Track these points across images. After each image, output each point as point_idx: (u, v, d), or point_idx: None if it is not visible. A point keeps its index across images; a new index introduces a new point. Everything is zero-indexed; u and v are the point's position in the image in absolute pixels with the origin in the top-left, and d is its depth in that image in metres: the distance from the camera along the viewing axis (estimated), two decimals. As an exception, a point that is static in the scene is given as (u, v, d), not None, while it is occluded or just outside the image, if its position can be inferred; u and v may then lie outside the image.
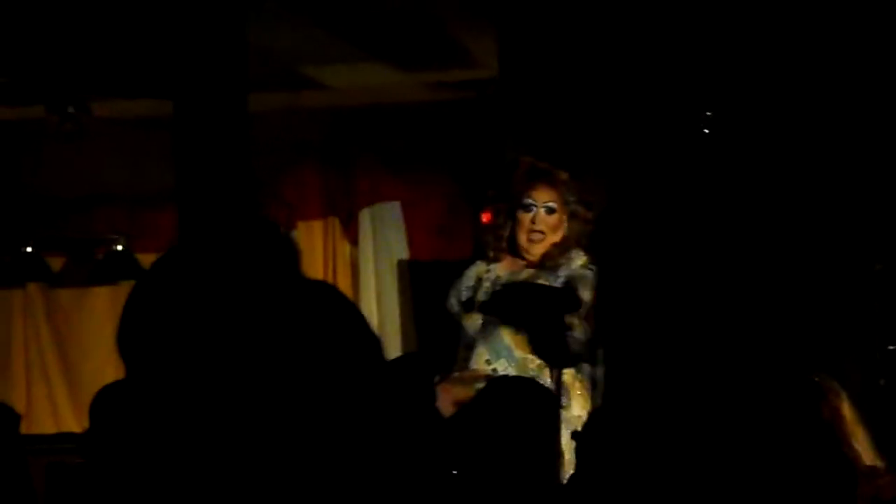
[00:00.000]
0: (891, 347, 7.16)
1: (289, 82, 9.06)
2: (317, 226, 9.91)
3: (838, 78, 7.00)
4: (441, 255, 9.70)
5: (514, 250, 5.45)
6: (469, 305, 5.42)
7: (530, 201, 5.36)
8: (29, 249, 9.62)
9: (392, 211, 9.86)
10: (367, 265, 9.87)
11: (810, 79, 7.00)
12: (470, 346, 5.34)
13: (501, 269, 5.43)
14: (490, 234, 5.49)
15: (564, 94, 7.45)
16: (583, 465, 3.65)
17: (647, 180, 6.98)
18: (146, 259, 9.73)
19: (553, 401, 4.23)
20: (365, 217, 9.90)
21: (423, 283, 9.61)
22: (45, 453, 7.72)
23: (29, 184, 10.05)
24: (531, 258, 5.41)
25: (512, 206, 5.41)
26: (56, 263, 9.97)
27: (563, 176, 5.44)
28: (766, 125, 7.04)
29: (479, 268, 5.48)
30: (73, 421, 9.85)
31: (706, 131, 6.90)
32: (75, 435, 9.17)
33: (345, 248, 9.97)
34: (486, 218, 9.35)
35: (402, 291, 9.74)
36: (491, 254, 5.47)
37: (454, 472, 3.87)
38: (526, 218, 5.37)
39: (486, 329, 5.33)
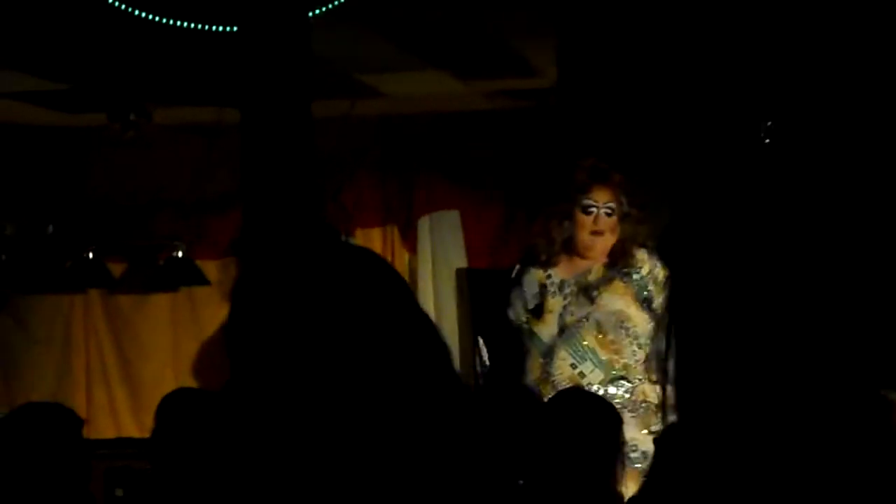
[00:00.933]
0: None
1: (347, 90, 9.09)
2: (375, 234, 9.95)
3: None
4: (499, 263, 9.70)
5: (570, 251, 5.43)
6: (538, 312, 5.37)
7: (591, 202, 5.37)
8: (90, 255, 9.69)
9: (450, 219, 9.88)
10: (425, 273, 9.89)
11: (868, 87, 6.96)
12: (548, 353, 5.30)
13: (563, 273, 5.41)
14: (543, 237, 5.47)
15: (624, 103, 7.44)
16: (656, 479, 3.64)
17: (708, 189, 6.95)
18: (206, 265, 9.80)
19: (614, 417, 4.21)
20: (423, 225, 9.92)
21: (481, 292, 9.61)
22: (105, 458, 7.79)
23: (90, 190, 10.14)
24: (592, 258, 5.42)
25: (570, 207, 5.40)
26: (117, 269, 10.04)
27: (619, 177, 5.50)
28: (826, 132, 7.00)
29: (536, 274, 5.45)
30: (133, 426, 9.92)
31: (766, 140, 6.86)
32: (135, 440, 9.25)
33: (403, 256, 9.99)
34: (536, 226, 9.37)
35: (461, 300, 9.75)
36: (543, 257, 5.44)
37: (520, 481, 3.88)
38: (587, 219, 5.37)
39: (566, 334, 5.30)
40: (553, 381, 5.27)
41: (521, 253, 9.60)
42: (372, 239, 9.86)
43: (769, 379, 5.07)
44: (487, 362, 5.90)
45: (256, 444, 1.80)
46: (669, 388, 5.39)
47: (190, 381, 9.23)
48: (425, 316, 1.95)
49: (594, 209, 5.36)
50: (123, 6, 6.25)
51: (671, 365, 5.44)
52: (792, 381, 5.20)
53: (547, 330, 5.33)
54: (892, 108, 6.96)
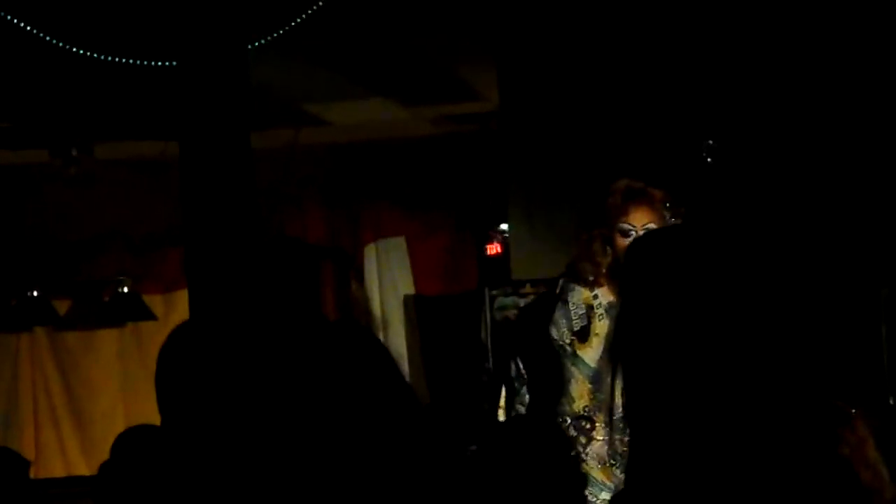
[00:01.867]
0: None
1: (292, 119, 9.08)
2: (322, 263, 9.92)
3: (842, 97, 7.01)
4: (446, 289, 9.72)
5: (615, 275, 5.07)
6: (583, 335, 5.11)
7: (628, 226, 5.06)
8: (35, 293, 9.62)
9: (397, 246, 9.88)
10: (373, 301, 9.87)
11: (812, 101, 7.02)
12: (596, 379, 5.02)
13: (609, 294, 5.10)
14: (587, 261, 5.12)
15: (566, 124, 7.47)
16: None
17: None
18: (152, 300, 9.75)
19: (566, 446, 4.18)
20: (370, 252, 9.92)
21: (430, 317, 9.61)
22: (55, 498, 7.71)
23: (32, 227, 10.07)
24: None
25: (608, 232, 5.08)
26: (62, 306, 9.97)
27: (659, 194, 5.13)
28: (767, 149, 7.05)
29: (583, 293, 5.13)
30: (83, 464, 9.84)
31: (708, 159, 6.90)
32: (85, 478, 9.17)
33: (350, 284, 9.97)
34: (490, 249, 9.41)
35: (409, 326, 9.74)
36: (590, 278, 5.11)
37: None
38: (624, 243, 5.03)
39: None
40: (605, 409, 4.97)
41: (469, 278, 9.67)
42: (319, 265, 9.83)
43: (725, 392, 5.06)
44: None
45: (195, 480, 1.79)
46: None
47: (139, 417, 9.13)
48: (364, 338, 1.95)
49: (632, 232, 5.04)
50: (61, 45, 6.21)
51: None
52: (746, 397, 5.21)
53: (593, 354, 5.04)
54: (834, 124, 7.02)
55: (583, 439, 4.94)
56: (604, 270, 5.06)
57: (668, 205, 5.08)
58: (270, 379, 1.83)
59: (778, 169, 7.02)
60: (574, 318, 5.08)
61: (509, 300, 7.88)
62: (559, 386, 5.07)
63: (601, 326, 5.04)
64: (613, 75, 7.24)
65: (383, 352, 1.96)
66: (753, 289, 2.08)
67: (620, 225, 5.02)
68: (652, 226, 5.00)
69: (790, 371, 1.99)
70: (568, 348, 5.07)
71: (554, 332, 5.10)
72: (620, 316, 1.94)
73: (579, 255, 5.12)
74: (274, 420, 1.83)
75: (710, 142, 6.89)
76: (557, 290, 5.20)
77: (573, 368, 5.04)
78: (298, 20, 6.44)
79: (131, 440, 4.03)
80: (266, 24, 6.50)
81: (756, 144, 7.04)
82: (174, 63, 5.74)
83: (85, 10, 6.41)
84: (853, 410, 4.40)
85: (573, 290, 5.12)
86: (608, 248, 5.06)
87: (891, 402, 8.05)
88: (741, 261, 2.09)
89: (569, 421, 4.95)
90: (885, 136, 7.06)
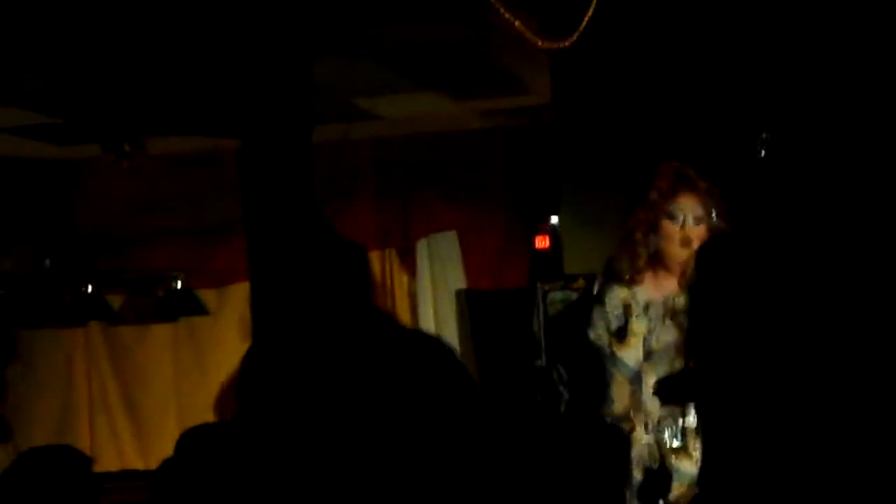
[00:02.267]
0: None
1: (342, 114, 9.09)
2: (374, 257, 9.92)
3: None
4: (498, 283, 9.70)
5: (656, 268, 4.96)
6: (621, 335, 4.95)
7: (678, 210, 4.90)
8: (89, 289, 9.67)
9: (449, 241, 9.87)
10: (425, 296, 9.87)
11: (864, 99, 6.96)
12: (636, 380, 4.87)
13: (649, 293, 4.95)
14: (626, 252, 4.98)
15: (618, 118, 7.44)
16: None
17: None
18: (205, 295, 9.79)
19: (623, 442, 4.15)
20: (422, 247, 9.91)
21: (482, 312, 9.60)
22: (109, 492, 7.75)
23: (87, 222, 10.13)
24: (681, 271, 4.86)
25: (654, 217, 4.93)
26: (116, 301, 10.03)
27: (705, 184, 5.00)
28: (822, 145, 7.00)
29: (620, 292, 4.97)
30: (137, 458, 9.90)
31: (763, 153, 6.85)
32: (139, 472, 9.22)
33: (403, 278, 9.98)
34: (538, 243, 9.37)
35: (461, 321, 9.74)
36: (627, 275, 4.95)
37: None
38: (674, 229, 4.88)
39: (652, 359, 4.87)
40: (646, 410, 4.84)
41: (520, 272, 9.64)
42: (371, 263, 9.82)
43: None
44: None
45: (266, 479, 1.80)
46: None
47: (192, 411, 9.21)
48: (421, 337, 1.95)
49: (681, 217, 4.90)
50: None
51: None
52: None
53: (633, 354, 4.89)
54: (887, 121, 6.96)
55: None
56: (642, 264, 4.91)
57: (713, 199, 4.92)
58: (344, 386, 1.83)
59: (832, 163, 6.97)
60: (611, 318, 4.94)
61: (560, 294, 7.85)
62: (600, 388, 4.93)
63: (639, 326, 4.89)
64: (666, 67, 7.21)
65: (455, 362, 1.97)
66: (822, 290, 2.06)
67: (669, 208, 4.86)
68: (700, 214, 4.86)
69: (870, 368, 1.97)
70: (606, 349, 4.93)
71: (591, 334, 4.97)
72: (693, 323, 1.92)
73: (620, 247, 4.99)
74: (346, 427, 1.83)
75: (765, 135, 6.84)
76: (595, 291, 5.07)
77: (613, 370, 4.90)
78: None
79: (196, 438, 4.04)
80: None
81: (811, 137, 6.99)
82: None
83: None
84: None
85: (611, 289, 4.98)
86: (651, 236, 4.90)
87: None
88: (808, 263, 2.07)
89: (610, 421, 4.76)
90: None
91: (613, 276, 5.01)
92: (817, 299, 2.00)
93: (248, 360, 1.92)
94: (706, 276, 1.96)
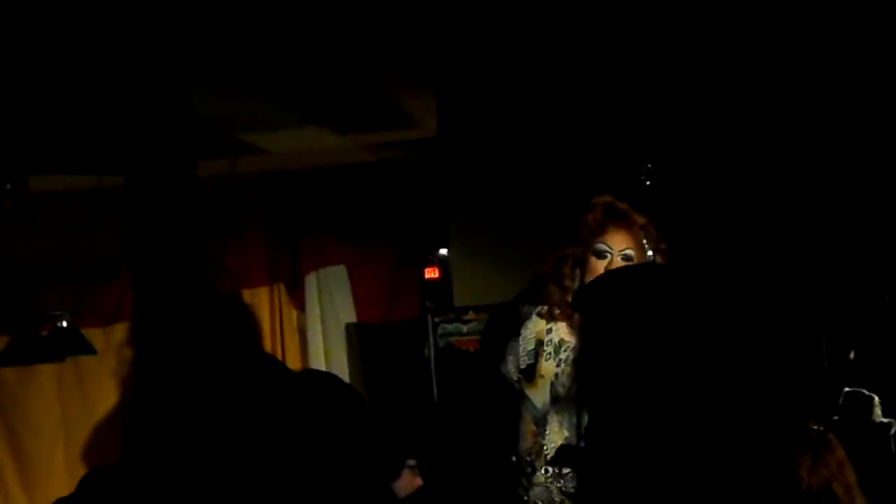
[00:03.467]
0: None
1: (228, 149, 9.04)
2: (262, 292, 9.86)
3: (775, 117, 7.07)
4: (388, 316, 9.69)
5: (575, 307, 4.68)
6: (529, 374, 4.74)
7: (605, 247, 4.67)
8: (-30, 330, 9.51)
9: (338, 275, 9.85)
10: (315, 330, 9.83)
11: (748, 120, 7.07)
12: (541, 422, 4.68)
13: (563, 332, 4.73)
14: (555, 283, 4.73)
15: (504, 150, 7.48)
16: None
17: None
18: (91, 334, 9.66)
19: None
20: (311, 282, 9.88)
21: (372, 345, 9.59)
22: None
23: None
24: None
25: (581, 252, 4.70)
26: (0, 343, 9.87)
27: (641, 220, 4.76)
28: (705, 174, 7.09)
29: (538, 326, 4.76)
30: (24, 501, 9.73)
31: (647, 182, 6.93)
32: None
33: (292, 313, 9.93)
34: (427, 274, 9.39)
35: (351, 354, 9.71)
36: (549, 309, 4.72)
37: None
38: (600, 265, 4.64)
39: (559, 405, 4.67)
40: (546, 455, 4.64)
41: (410, 305, 9.63)
42: (259, 298, 9.78)
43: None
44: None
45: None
46: None
47: (79, 453, 9.08)
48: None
49: (608, 254, 4.67)
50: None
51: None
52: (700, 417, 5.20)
53: (540, 396, 4.68)
54: (768, 142, 7.07)
55: (524, 482, 4.65)
56: (568, 299, 4.69)
57: (648, 234, 4.72)
58: (227, 427, 1.83)
59: (715, 189, 7.06)
60: (522, 354, 4.74)
61: (452, 326, 7.87)
62: (513, 422, 4.75)
63: (547, 368, 4.69)
64: (550, 101, 7.27)
65: (347, 400, 1.97)
66: (709, 320, 2.08)
67: (597, 245, 4.66)
68: (630, 252, 4.66)
69: (754, 394, 2.00)
70: (516, 385, 4.73)
71: (503, 368, 4.77)
72: (581, 357, 1.92)
73: (548, 277, 4.76)
74: (234, 459, 1.83)
75: (649, 165, 6.92)
76: (520, 317, 4.83)
77: (521, 407, 4.71)
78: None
79: (97, 480, 3.98)
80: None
81: (694, 166, 7.08)
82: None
83: None
84: (830, 434, 4.39)
85: (530, 319, 4.79)
86: (578, 271, 4.70)
87: (834, 418, 8.11)
88: (694, 292, 2.10)
89: (516, 459, 4.66)
90: (817, 151, 7.12)
91: (539, 301, 4.79)
92: (698, 339, 2.03)
93: (132, 402, 1.91)
94: (590, 318, 1.98)
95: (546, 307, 4.75)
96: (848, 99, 7.06)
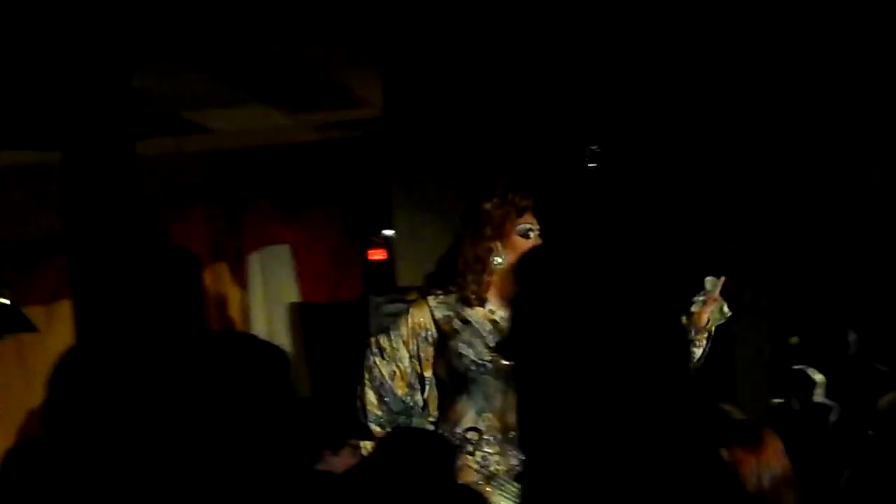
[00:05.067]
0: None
1: (172, 126, 8.99)
2: (205, 271, 9.83)
3: (724, 106, 7.10)
4: (332, 296, 9.68)
5: (499, 285, 4.74)
6: (487, 352, 4.77)
7: (527, 226, 4.72)
8: None
9: (281, 254, 9.82)
10: (257, 309, 9.80)
11: (693, 111, 7.10)
12: (476, 399, 4.75)
13: (480, 314, 4.76)
14: (471, 272, 4.75)
15: (450, 130, 7.47)
16: None
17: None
18: (32, 312, 9.59)
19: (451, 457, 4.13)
20: (254, 261, 9.84)
21: (316, 325, 9.57)
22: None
23: None
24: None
25: (499, 234, 4.72)
26: (-61, 319, 9.78)
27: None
28: (652, 156, 7.12)
29: (479, 313, 4.77)
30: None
31: (591, 164, 6.94)
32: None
33: (234, 292, 9.89)
34: (372, 255, 9.37)
35: (294, 334, 9.69)
36: (473, 297, 4.73)
37: None
38: (525, 244, 4.66)
39: (491, 380, 4.74)
40: (484, 433, 4.73)
41: (354, 285, 9.62)
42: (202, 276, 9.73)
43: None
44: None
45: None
46: None
47: (17, 432, 9.02)
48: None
49: (531, 234, 4.70)
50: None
51: None
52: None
53: (495, 371, 4.72)
54: (714, 134, 7.11)
55: (468, 458, 4.66)
56: (486, 284, 4.72)
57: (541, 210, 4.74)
58: (157, 393, 1.81)
59: (658, 174, 7.09)
60: (483, 335, 4.74)
61: (394, 307, 7.86)
62: (457, 402, 4.78)
63: (465, 349, 4.74)
64: (498, 81, 7.27)
65: (273, 364, 1.95)
66: (632, 298, 2.07)
67: (521, 226, 4.67)
68: (538, 228, 4.69)
69: (674, 377, 2.00)
70: (474, 368, 4.72)
71: (465, 350, 4.75)
72: (512, 333, 1.90)
73: (465, 266, 4.76)
74: (160, 433, 1.81)
75: (594, 147, 6.93)
76: (448, 309, 4.81)
77: (473, 386, 4.73)
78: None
79: (22, 454, 3.94)
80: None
81: (639, 149, 7.10)
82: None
83: None
84: (762, 426, 4.42)
85: (446, 306, 4.79)
86: (501, 254, 4.70)
87: (774, 401, 8.16)
88: (619, 270, 2.09)
89: (458, 433, 4.69)
90: (755, 137, 7.17)
91: (451, 290, 4.81)
92: (625, 310, 2.03)
93: (55, 374, 1.89)
94: (526, 289, 1.97)
95: (463, 292, 4.78)
96: (780, 89, 7.11)
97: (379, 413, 4.82)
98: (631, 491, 1.88)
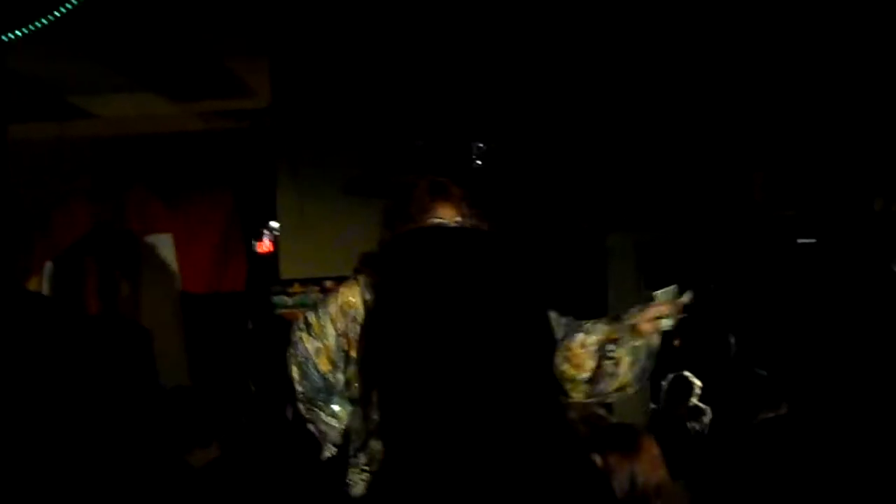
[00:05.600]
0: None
1: (57, 112, 8.86)
2: (87, 258, 9.70)
3: (615, 103, 7.14)
4: (215, 287, 9.59)
5: None
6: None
7: (437, 220, 4.74)
8: None
9: (164, 243, 9.71)
10: (138, 297, 9.69)
11: (583, 104, 7.13)
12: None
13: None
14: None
15: (337, 122, 7.45)
16: None
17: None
18: None
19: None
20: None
21: (197, 316, 9.47)
22: None
23: None
24: None
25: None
26: None
27: (459, 191, 4.80)
28: (539, 153, 7.14)
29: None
30: None
31: (477, 161, 6.96)
32: None
33: (115, 280, 9.77)
34: (260, 247, 9.28)
35: (175, 324, 9.59)
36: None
37: None
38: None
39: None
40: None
41: (237, 276, 9.54)
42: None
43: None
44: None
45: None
46: None
47: None
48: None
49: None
50: None
51: None
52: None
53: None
54: (599, 128, 7.14)
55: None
56: None
57: (467, 203, 4.67)
58: (21, 372, 1.78)
59: (545, 169, 7.12)
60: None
61: (277, 299, 7.82)
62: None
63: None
64: (386, 74, 7.26)
65: (133, 339, 1.93)
66: (492, 296, 2.07)
67: (428, 220, 4.64)
68: (459, 220, 4.66)
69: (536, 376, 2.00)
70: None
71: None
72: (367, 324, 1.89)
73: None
74: (21, 411, 1.78)
75: (480, 144, 6.94)
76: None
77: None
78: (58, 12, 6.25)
79: None
80: (24, 14, 6.32)
81: (525, 148, 7.12)
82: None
83: None
84: (639, 432, 4.43)
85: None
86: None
87: (651, 406, 8.23)
88: (485, 264, 2.09)
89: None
90: (648, 133, 7.23)
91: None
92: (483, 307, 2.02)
93: None
94: (385, 279, 1.96)
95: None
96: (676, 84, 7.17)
97: (300, 388, 4.82)
98: (494, 491, 1.87)
